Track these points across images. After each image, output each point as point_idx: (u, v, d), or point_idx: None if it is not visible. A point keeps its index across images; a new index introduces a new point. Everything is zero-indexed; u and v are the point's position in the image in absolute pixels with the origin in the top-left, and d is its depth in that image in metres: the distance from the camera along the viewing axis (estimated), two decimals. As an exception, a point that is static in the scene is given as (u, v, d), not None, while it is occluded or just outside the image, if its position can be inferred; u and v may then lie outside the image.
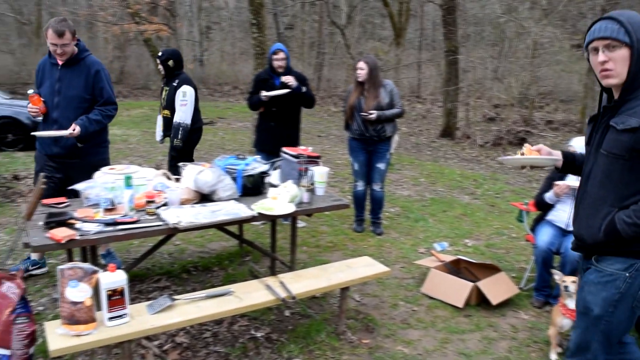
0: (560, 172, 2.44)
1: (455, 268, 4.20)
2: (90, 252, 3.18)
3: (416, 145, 11.56)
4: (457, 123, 12.63)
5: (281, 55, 5.06)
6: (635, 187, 1.99)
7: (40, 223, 2.89)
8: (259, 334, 3.34)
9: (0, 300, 2.74)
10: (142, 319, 2.58)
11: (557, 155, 2.38)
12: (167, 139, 5.06)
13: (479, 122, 13.43)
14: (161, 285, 3.96)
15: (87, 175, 3.62)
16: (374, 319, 3.62)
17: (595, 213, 2.09)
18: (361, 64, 4.94)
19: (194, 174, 3.34)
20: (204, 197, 3.38)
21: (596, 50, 1.99)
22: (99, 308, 2.49)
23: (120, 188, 3.15)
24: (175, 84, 4.89)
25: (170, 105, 4.91)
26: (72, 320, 2.40)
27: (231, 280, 3.84)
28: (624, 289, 2.05)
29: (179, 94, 4.82)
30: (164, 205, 3.20)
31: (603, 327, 2.13)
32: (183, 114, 4.82)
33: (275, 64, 5.08)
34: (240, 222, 3.76)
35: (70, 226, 2.84)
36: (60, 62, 3.72)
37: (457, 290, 3.86)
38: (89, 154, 3.86)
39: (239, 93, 20.85)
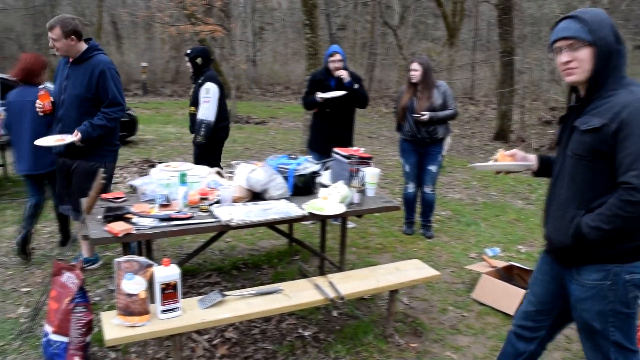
0: (536, 176, 2.41)
1: (508, 275, 4.10)
2: (145, 246, 3.28)
3: (468, 147, 11.36)
4: (511, 126, 12.32)
5: (337, 57, 5.05)
6: (600, 189, 1.94)
7: (99, 217, 2.99)
8: (306, 333, 3.35)
9: (60, 290, 2.86)
10: (193, 313, 2.63)
11: (532, 159, 2.35)
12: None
13: (535, 125, 13.06)
14: (212, 281, 4.03)
15: (82, 179, 3.71)
16: (423, 323, 3.57)
17: (562, 216, 2.05)
18: (415, 65, 4.88)
19: (247, 172, 3.38)
20: (256, 196, 3.41)
21: (560, 50, 1.97)
22: (152, 301, 2.55)
23: (175, 185, 3.22)
24: (200, 81, 4.96)
25: (196, 102, 4.99)
26: (127, 312, 2.48)
27: (280, 279, 3.88)
28: (612, 297, 2.01)
29: (202, 90, 4.89)
30: (217, 202, 3.25)
31: (613, 337, 2.07)
32: (206, 111, 4.87)
33: (332, 66, 5.08)
34: (291, 221, 3.79)
35: (127, 220, 2.92)
36: (70, 60, 3.73)
37: (509, 297, 3.76)
38: (89, 156, 3.77)
39: (291, 93, 21.02)
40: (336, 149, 3.88)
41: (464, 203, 6.69)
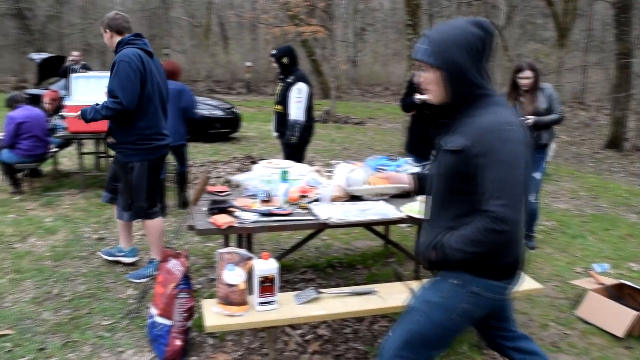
0: (416, 195, 2.37)
1: (618, 293, 3.82)
2: (246, 239, 3.39)
3: (577, 155, 10.72)
4: (626, 133, 11.50)
5: None
6: (462, 209, 1.88)
7: (204, 209, 3.13)
8: (398, 337, 3.31)
9: (166, 275, 3.03)
10: (288, 307, 2.69)
11: (406, 181, 2.39)
12: (279, 134, 5.24)
13: (653, 134, 12.09)
14: (307, 277, 4.09)
15: (119, 173, 3.84)
16: (521, 336, 3.41)
17: (429, 235, 2.01)
18: (527, 73, 4.63)
19: (346, 172, 3.40)
20: (354, 196, 3.43)
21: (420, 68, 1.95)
22: (250, 292, 2.64)
23: (276, 181, 3.30)
24: (290, 81, 4.99)
25: (282, 100, 5.04)
26: (227, 301, 2.58)
27: (374, 280, 3.86)
28: (447, 295, 1.93)
29: (294, 90, 4.92)
30: (316, 200, 3.30)
31: (412, 326, 2.00)
32: (298, 111, 4.92)
33: None
34: (388, 223, 3.76)
35: (230, 214, 3.04)
36: None
37: (618, 317, 3.50)
38: (118, 153, 3.83)
39: (390, 94, 20.92)
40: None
41: (571, 214, 6.32)
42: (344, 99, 19.57)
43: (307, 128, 5.11)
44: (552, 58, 15.98)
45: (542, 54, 17.44)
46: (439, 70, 1.83)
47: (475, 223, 1.80)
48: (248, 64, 21.62)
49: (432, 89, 1.90)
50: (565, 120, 4.99)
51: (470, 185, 1.82)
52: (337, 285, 3.86)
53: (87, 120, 3.73)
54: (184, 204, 5.69)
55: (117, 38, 3.79)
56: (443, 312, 1.95)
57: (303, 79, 5.02)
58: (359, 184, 3.35)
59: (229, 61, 23.92)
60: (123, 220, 3.99)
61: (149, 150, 3.78)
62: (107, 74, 3.79)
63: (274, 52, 5.18)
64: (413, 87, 5.14)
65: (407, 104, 5.17)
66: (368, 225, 3.59)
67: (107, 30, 3.81)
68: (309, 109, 5.09)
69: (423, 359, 2.04)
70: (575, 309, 3.78)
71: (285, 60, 5.07)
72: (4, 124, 5.90)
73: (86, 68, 9.06)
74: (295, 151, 5.08)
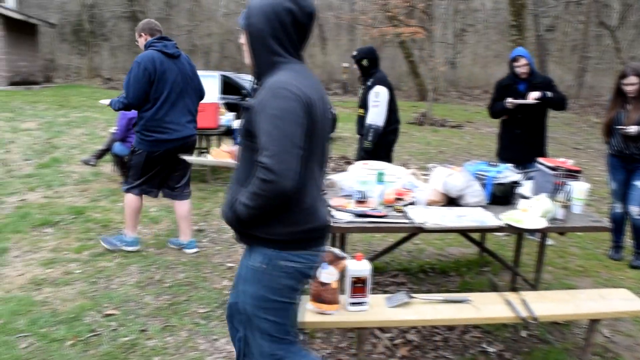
0: None
1: None
2: (339, 239, 3.41)
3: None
4: None
5: (522, 61, 4.71)
6: (254, 168, 1.88)
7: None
8: (490, 349, 3.20)
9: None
10: (379, 309, 2.68)
11: None
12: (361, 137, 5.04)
13: None
14: (398, 281, 4.06)
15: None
16: (626, 361, 3.19)
17: (231, 193, 2.02)
18: (632, 79, 4.29)
19: (444, 176, 3.33)
20: (451, 201, 3.35)
21: None
22: (342, 292, 2.65)
23: (372, 183, 3.29)
24: (369, 84, 4.82)
25: (364, 104, 4.86)
26: (319, 299, 2.60)
27: (467, 289, 3.76)
28: (266, 281, 1.97)
29: (371, 94, 4.74)
30: (411, 204, 3.26)
31: (262, 325, 2.02)
32: (375, 116, 4.74)
33: (517, 70, 4.76)
34: (486, 231, 3.65)
35: (325, 213, 3.06)
36: None
37: None
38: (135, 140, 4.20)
39: (490, 97, 20.25)
40: (541, 159, 3.64)
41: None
42: (441, 101, 19.20)
43: (390, 132, 4.91)
44: (672, 62, 14.76)
45: (660, 57, 16.13)
46: (245, 32, 1.98)
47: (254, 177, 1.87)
48: (345, 64, 21.77)
49: (245, 50, 2.02)
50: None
51: (256, 144, 1.87)
52: (429, 291, 3.80)
53: (114, 109, 4.13)
54: None
55: (143, 42, 4.19)
56: (274, 296, 1.99)
57: (381, 82, 4.80)
58: (457, 190, 3.28)
59: (326, 62, 24.24)
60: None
61: (149, 143, 4.10)
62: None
63: (354, 53, 5.01)
64: (502, 92, 4.93)
65: (497, 109, 4.98)
66: (464, 232, 3.50)
67: (143, 34, 4.19)
68: (392, 112, 4.88)
69: (291, 338, 2.09)
70: (690, 336, 3.48)
71: (365, 62, 4.88)
72: (117, 119, 6.34)
73: None
74: (371, 157, 4.64)
